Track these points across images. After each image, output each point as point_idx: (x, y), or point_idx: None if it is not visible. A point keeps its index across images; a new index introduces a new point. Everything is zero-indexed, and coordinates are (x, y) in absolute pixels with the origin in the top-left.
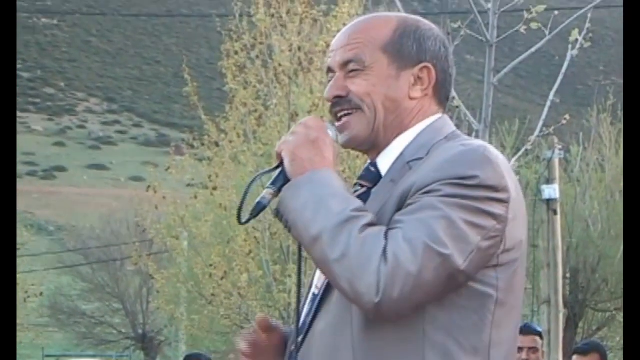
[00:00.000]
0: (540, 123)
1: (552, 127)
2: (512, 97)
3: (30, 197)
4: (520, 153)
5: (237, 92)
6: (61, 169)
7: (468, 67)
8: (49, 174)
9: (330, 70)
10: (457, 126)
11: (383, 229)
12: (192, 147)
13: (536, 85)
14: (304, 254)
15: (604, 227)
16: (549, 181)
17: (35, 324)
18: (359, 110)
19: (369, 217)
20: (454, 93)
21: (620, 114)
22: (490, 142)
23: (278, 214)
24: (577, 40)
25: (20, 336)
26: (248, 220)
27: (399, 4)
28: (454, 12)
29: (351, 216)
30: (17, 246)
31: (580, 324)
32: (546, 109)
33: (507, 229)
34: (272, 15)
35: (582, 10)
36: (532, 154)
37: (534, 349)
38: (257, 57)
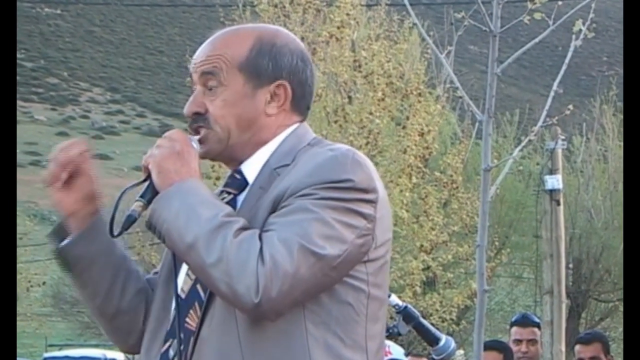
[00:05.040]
0: (544, 113)
1: (555, 118)
2: (516, 87)
3: (33, 186)
4: (523, 143)
5: None
6: None
7: (471, 58)
8: None
9: (193, 83)
10: (461, 116)
11: (257, 231)
12: None
13: (539, 75)
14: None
15: (607, 218)
16: (551, 172)
17: (38, 314)
18: (213, 130)
19: (241, 222)
20: (457, 83)
21: (622, 105)
22: (493, 133)
23: (150, 226)
24: (580, 30)
25: (23, 326)
26: (120, 234)
27: None
28: (457, 2)
29: (224, 221)
30: (20, 236)
31: (583, 315)
32: (549, 99)
33: (376, 227)
34: (275, 5)
35: (586, 1)
36: (535, 145)
37: (532, 341)
38: None
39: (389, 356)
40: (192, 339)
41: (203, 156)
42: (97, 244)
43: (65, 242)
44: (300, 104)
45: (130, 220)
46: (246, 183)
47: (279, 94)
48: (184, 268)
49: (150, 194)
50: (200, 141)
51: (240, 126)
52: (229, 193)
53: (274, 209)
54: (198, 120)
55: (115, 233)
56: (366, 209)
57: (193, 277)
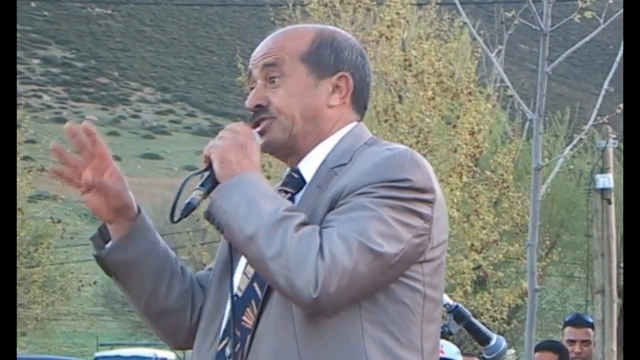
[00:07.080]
0: (595, 112)
1: (607, 116)
2: (566, 86)
3: None
4: (574, 142)
5: None
6: (115, 158)
7: (522, 56)
8: None
9: (253, 80)
10: (511, 115)
11: (317, 227)
12: None
13: (590, 74)
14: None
15: None
16: (603, 170)
17: (89, 313)
18: (277, 119)
19: (302, 217)
20: (507, 82)
21: None
22: (544, 132)
23: (209, 215)
24: None
25: (75, 325)
26: (179, 220)
27: None
28: (507, 1)
29: (285, 215)
30: (71, 235)
31: None
32: (600, 98)
33: (432, 227)
34: (325, 5)
35: None
36: (586, 144)
37: (586, 342)
38: None
39: (441, 355)
40: (248, 337)
41: (265, 147)
42: (137, 249)
43: (104, 249)
44: (360, 100)
45: (190, 208)
46: (303, 182)
47: (341, 85)
48: (240, 266)
49: (210, 183)
50: (261, 133)
51: (303, 115)
52: (286, 192)
53: (331, 206)
54: (260, 113)
55: (176, 219)
56: (423, 208)
57: (250, 275)
